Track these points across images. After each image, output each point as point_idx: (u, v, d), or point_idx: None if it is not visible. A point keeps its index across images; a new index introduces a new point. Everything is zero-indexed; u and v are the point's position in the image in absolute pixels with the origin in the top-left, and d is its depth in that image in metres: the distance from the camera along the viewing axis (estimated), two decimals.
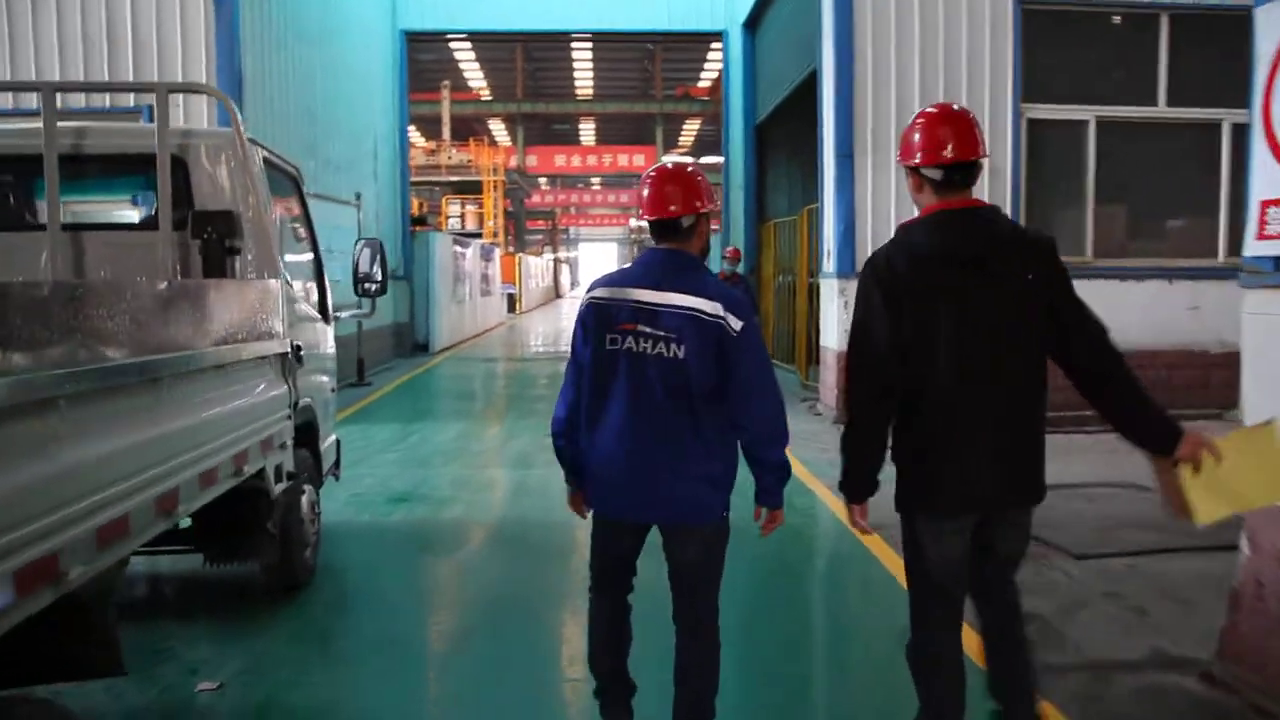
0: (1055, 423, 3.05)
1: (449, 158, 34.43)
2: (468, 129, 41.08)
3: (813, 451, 8.21)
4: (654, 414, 2.70)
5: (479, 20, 16.50)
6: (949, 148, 2.60)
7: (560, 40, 18.47)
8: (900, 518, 2.78)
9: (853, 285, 9.68)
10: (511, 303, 34.14)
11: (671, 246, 2.76)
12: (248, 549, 4.07)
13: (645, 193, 2.77)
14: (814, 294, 11.76)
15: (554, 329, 28.50)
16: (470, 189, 34.07)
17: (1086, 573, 5.11)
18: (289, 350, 4.15)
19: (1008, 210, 9.70)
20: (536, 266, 43.86)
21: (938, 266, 2.60)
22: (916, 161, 2.65)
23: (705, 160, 60.65)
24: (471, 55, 44.48)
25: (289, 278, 5.03)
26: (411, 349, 16.72)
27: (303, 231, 5.40)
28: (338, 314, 5.89)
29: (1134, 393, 2.71)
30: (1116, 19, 9.95)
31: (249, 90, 9.66)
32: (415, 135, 46.64)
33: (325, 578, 4.98)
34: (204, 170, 4.22)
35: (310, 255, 5.49)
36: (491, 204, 33.08)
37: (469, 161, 34.54)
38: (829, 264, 10.01)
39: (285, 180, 5.12)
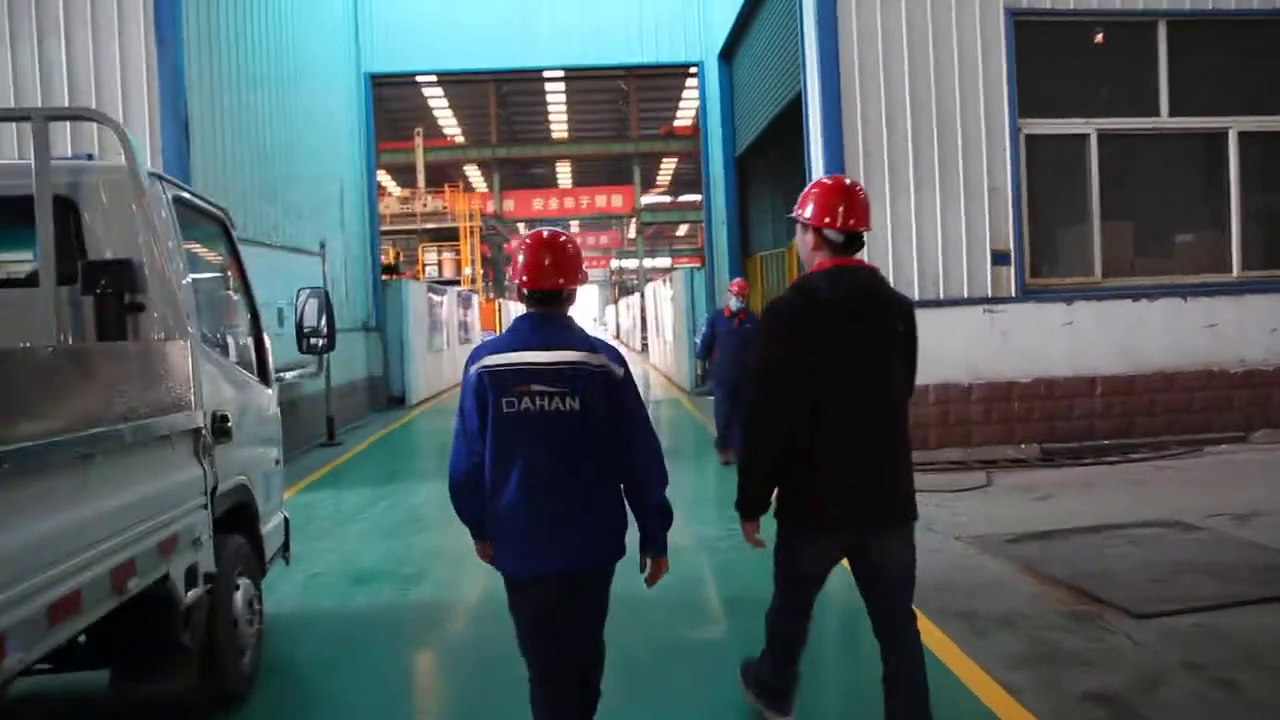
0: (1075, 454, 2.68)
1: (424, 205, 33.92)
2: (443, 176, 40.65)
3: None
4: (559, 466, 2.84)
5: (446, 60, 15.98)
6: (854, 219, 3.01)
7: (533, 79, 18.01)
8: (777, 525, 3.14)
9: None
10: None
11: (550, 311, 2.91)
12: (157, 668, 3.33)
13: (535, 261, 2.89)
14: None
15: None
16: (447, 236, 33.52)
17: (1151, 635, 4.43)
18: (204, 424, 3.45)
19: (1009, 229, 9.20)
20: (518, 311, 43.23)
21: (833, 313, 2.95)
22: (826, 223, 3.00)
23: (684, 199, 60.72)
24: (444, 101, 44.16)
25: (219, 335, 4.38)
26: (387, 402, 15.96)
27: (235, 282, 4.71)
28: (281, 375, 5.19)
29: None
30: (1109, 30, 9.47)
31: (196, 133, 9.02)
32: (389, 183, 46.28)
33: (270, 683, 4.23)
34: (99, 213, 3.54)
35: (245, 310, 4.79)
36: (469, 250, 32.50)
37: (444, 208, 34.04)
38: None
39: (209, 224, 4.45)
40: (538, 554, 2.86)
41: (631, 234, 55.67)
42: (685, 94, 44.32)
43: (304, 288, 5.15)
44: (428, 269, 33.00)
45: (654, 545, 2.99)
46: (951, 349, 9.04)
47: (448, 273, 32.60)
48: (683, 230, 62.94)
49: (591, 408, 2.84)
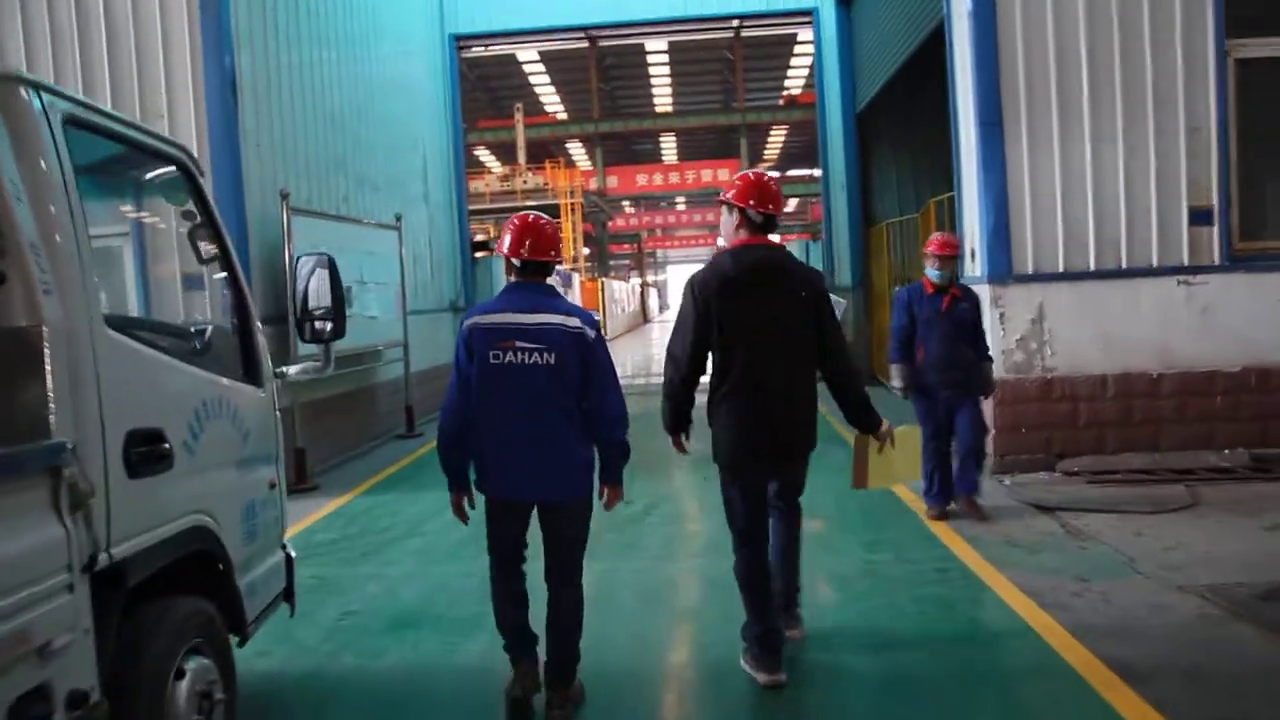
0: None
1: (524, 182, 33.00)
2: (545, 153, 39.74)
3: (998, 546, 5.99)
4: (535, 410, 3.40)
5: (536, 18, 14.72)
6: (771, 204, 3.77)
7: (630, 32, 16.56)
8: (718, 464, 3.87)
9: (1010, 293, 7.37)
10: None
11: (537, 280, 3.51)
12: None
13: (517, 239, 3.47)
14: None
15: (643, 355, 26.60)
16: (548, 213, 32.52)
17: None
18: (73, 457, 2.23)
19: (1212, 181, 7.37)
20: (622, 291, 42.14)
21: (735, 284, 3.70)
22: (751, 205, 3.75)
23: (792, 173, 58.52)
24: (545, 77, 43.32)
25: (194, 321, 3.20)
26: None
27: (209, 248, 3.51)
28: (283, 370, 3.99)
29: (859, 391, 3.89)
30: None
31: (246, 91, 7.99)
32: (492, 161, 45.73)
33: None
34: None
35: (225, 288, 3.59)
36: (570, 228, 31.45)
37: (545, 185, 33.05)
38: (973, 266, 7.77)
39: (154, 166, 3.25)
40: (509, 484, 3.48)
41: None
42: (794, 60, 42.35)
43: (306, 254, 3.92)
44: None
45: (610, 476, 3.57)
46: (1135, 330, 7.34)
47: None
48: (792, 205, 60.82)
49: (565, 362, 3.38)
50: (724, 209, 3.84)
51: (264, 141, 8.31)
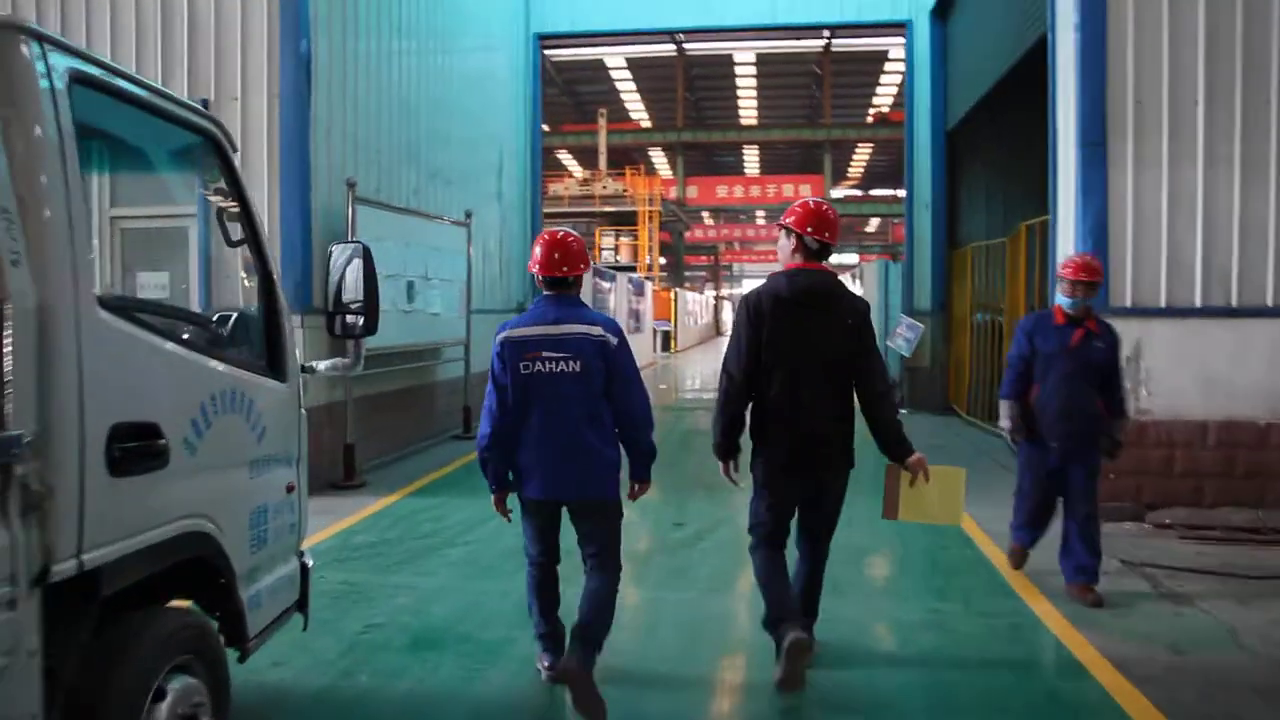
0: None
1: (603, 187, 32.88)
2: (627, 160, 39.64)
3: (1115, 638, 5.40)
4: (563, 415, 3.62)
5: (622, 19, 14.48)
6: (828, 233, 3.90)
7: (718, 40, 16.23)
8: (753, 474, 3.99)
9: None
10: (666, 340, 32.01)
11: (562, 293, 3.73)
12: None
13: (546, 255, 3.71)
14: None
15: (713, 369, 26.15)
16: (625, 220, 32.38)
17: None
18: (24, 447, 1.97)
19: None
20: (695, 302, 41.75)
21: (790, 305, 3.85)
22: (809, 233, 3.88)
23: (875, 192, 57.47)
24: (631, 85, 43.26)
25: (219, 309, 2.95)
26: None
27: (239, 231, 3.27)
28: (312, 366, 3.74)
29: (890, 419, 3.97)
30: None
31: (321, 75, 7.87)
32: (573, 165, 45.82)
33: None
34: None
35: (253, 272, 3.35)
36: (646, 235, 31.22)
37: (624, 191, 32.88)
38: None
39: (173, 135, 3.02)
40: (542, 485, 3.68)
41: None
42: (884, 79, 41.55)
43: (339, 242, 3.66)
44: (604, 253, 31.98)
45: (637, 473, 3.81)
46: (1243, 374, 6.74)
47: (624, 258, 31.44)
48: (873, 225, 59.75)
49: (589, 368, 3.61)
50: (782, 232, 3.98)
51: (335, 130, 8.20)
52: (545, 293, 3.73)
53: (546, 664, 3.88)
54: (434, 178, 10.60)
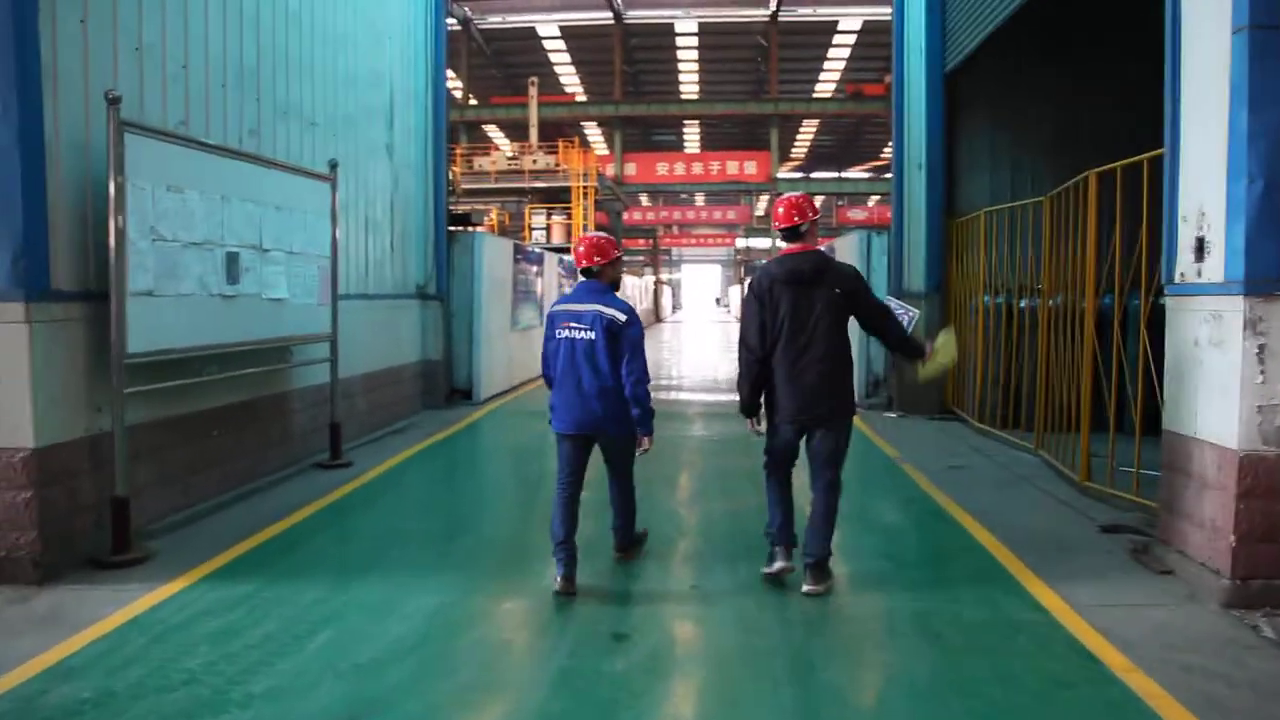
0: None
1: (534, 162, 30.00)
2: (560, 135, 36.78)
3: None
4: (581, 371, 4.79)
5: None
6: (781, 222, 4.84)
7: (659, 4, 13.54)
8: (767, 420, 4.88)
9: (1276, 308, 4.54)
10: None
11: (592, 280, 4.95)
12: None
13: (578, 253, 5.01)
14: (1123, 327, 6.57)
15: (652, 359, 23.57)
16: (558, 197, 29.56)
17: None
18: None
19: None
20: (634, 287, 39.10)
21: (782, 284, 4.73)
22: (775, 228, 4.90)
23: (819, 175, 55.37)
24: (566, 56, 40.47)
25: None
26: (448, 397, 11.96)
27: None
28: None
29: (905, 338, 5.03)
30: None
31: None
32: (502, 141, 42.79)
33: None
34: None
35: None
36: (581, 214, 28.46)
37: (557, 166, 30.06)
38: (1211, 265, 4.80)
39: None
40: (567, 421, 4.88)
41: (761, 210, 50.79)
42: (830, 54, 39.35)
43: None
44: (535, 233, 29.16)
45: (642, 427, 4.87)
46: None
47: (557, 239, 28.66)
48: (819, 201, 57.67)
49: (601, 339, 4.77)
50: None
51: (98, 21, 5.37)
52: (581, 279, 4.99)
53: (560, 575, 4.73)
54: (285, 115, 7.80)
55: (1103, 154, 7.11)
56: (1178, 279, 5.15)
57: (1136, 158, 6.01)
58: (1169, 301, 5.25)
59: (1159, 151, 5.45)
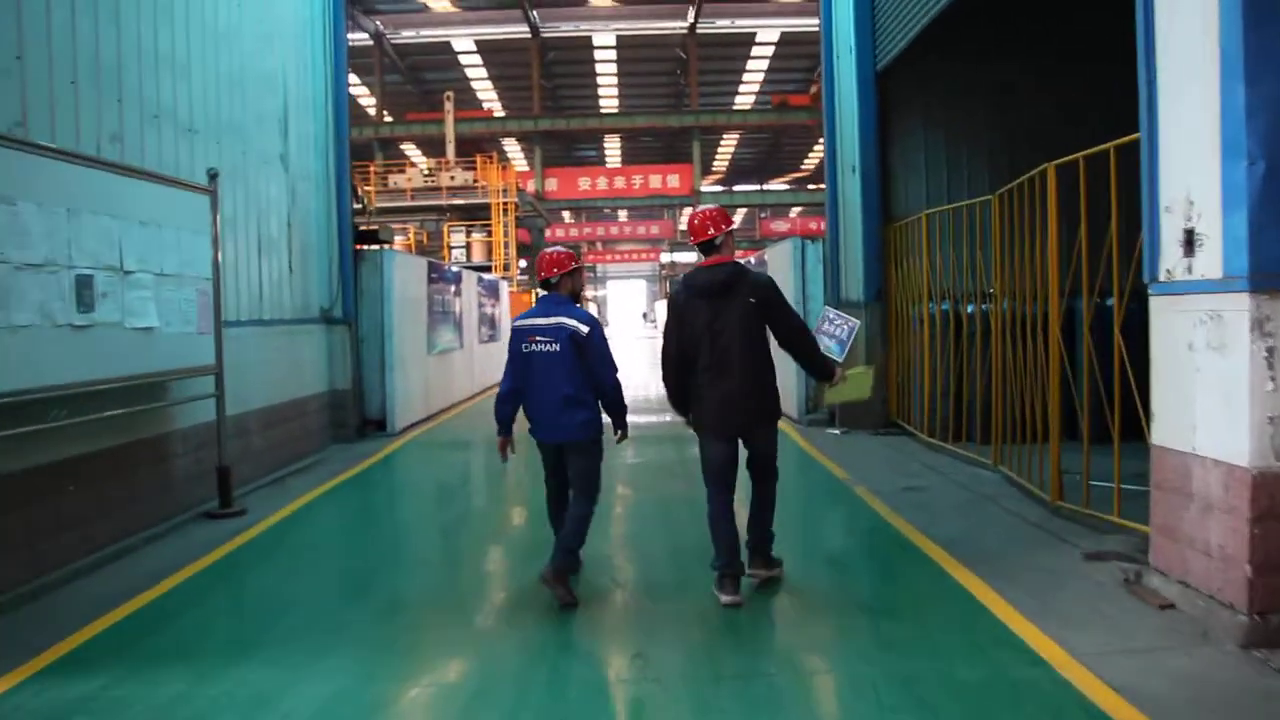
0: None
1: (451, 178, 29.07)
2: (478, 151, 35.86)
3: None
4: (550, 382, 4.91)
5: None
6: (695, 236, 4.95)
7: (577, 17, 12.93)
8: (697, 435, 5.00)
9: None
10: None
11: (553, 292, 5.08)
12: None
13: (539, 265, 5.13)
14: (1095, 331, 6.04)
15: None
16: (478, 214, 28.65)
17: None
18: None
19: None
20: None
21: (695, 296, 4.85)
22: (691, 240, 4.98)
23: (740, 188, 55.34)
24: (483, 70, 39.62)
25: None
26: (359, 429, 11.02)
27: None
28: None
29: (815, 356, 5.02)
30: None
31: None
32: (419, 158, 41.66)
33: None
34: None
35: None
36: (501, 231, 27.60)
37: (476, 182, 29.16)
38: (1205, 259, 4.27)
39: None
40: (542, 431, 5.02)
41: (684, 224, 50.45)
42: (749, 66, 39.23)
43: None
44: (455, 251, 28.19)
45: (619, 428, 5.16)
46: None
47: (478, 257, 27.75)
48: (740, 217, 57.59)
49: (566, 350, 4.90)
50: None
51: None
52: (541, 293, 5.18)
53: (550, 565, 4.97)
54: (156, 119, 6.89)
55: (1041, 153, 6.71)
56: (1164, 277, 4.62)
57: (1103, 146, 5.50)
58: (1154, 302, 4.72)
59: (1132, 137, 4.94)
